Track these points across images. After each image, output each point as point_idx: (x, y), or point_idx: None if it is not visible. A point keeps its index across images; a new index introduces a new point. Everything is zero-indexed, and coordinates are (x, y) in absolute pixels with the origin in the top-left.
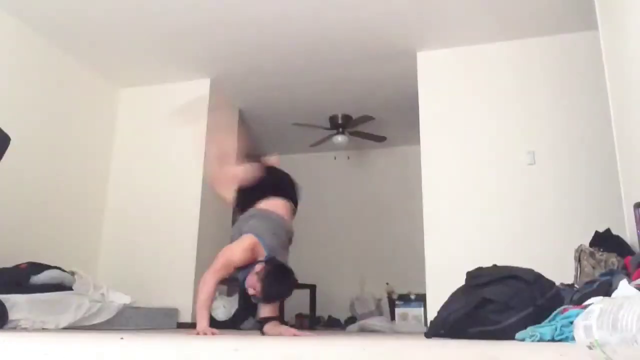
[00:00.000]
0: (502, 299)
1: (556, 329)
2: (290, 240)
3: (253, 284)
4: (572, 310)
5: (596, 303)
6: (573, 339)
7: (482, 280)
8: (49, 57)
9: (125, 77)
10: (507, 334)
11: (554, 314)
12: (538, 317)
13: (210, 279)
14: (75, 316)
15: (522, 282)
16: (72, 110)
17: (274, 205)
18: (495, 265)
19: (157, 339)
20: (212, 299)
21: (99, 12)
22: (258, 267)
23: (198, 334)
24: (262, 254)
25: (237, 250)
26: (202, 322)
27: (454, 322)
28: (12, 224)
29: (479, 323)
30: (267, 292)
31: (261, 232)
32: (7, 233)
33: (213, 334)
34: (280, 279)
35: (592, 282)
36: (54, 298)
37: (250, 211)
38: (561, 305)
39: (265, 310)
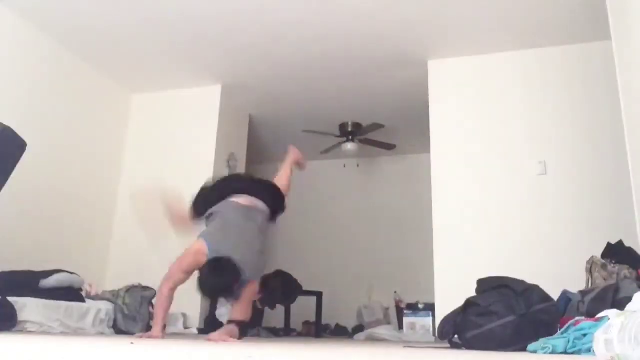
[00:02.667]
0: (484, 303)
1: (569, 342)
2: (266, 223)
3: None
4: (585, 322)
5: (616, 317)
6: (587, 351)
7: (481, 289)
8: (62, 62)
9: (137, 83)
10: (491, 339)
11: (566, 326)
12: (525, 327)
13: (164, 287)
14: (85, 321)
15: (510, 291)
16: (84, 116)
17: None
18: (492, 277)
19: (166, 343)
20: (168, 306)
21: (112, 19)
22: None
23: (149, 337)
24: (204, 257)
25: (185, 256)
26: (156, 328)
27: (450, 331)
28: (22, 228)
29: (467, 328)
30: (201, 284)
31: (209, 233)
32: (18, 237)
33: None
34: (213, 271)
35: (591, 290)
36: (62, 301)
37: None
38: (554, 321)
39: (233, 312)
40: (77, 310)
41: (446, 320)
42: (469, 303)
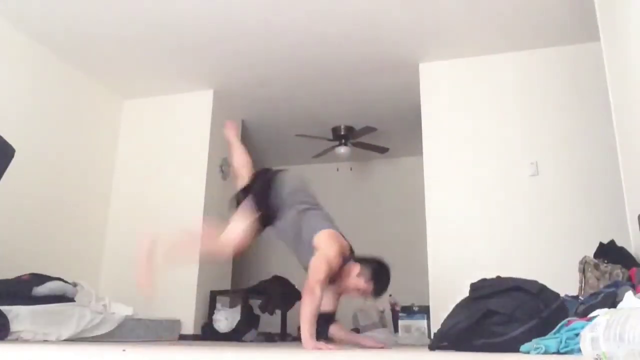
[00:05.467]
0: (506, 310)
1: (561, 342)
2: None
3: (359, 286)
4: (578, 322)
5: (602, 315)
6: (579, 351)
7: (485, 292)
8: (54, 68)
9: (129, 89)
10: (511, 346)
11: (558, 326)
12: (543, 328)
13: (317, 289)
14: (77, 328)
15: (526, 293)
16: (76, 121)
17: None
18: (498, 277)
19: (159, 350)
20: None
21: (104, 25)
22: (355, 269)
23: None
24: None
25: (334, 254)
26: (312, 339)
27: (458, 334)
28: (14, 235)
29: (483, 335)
30: (381, 289)
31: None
32: (10, 244)
33: (329, 348)
34: (386, 271)
35: (596, 294)
36: (56, 309)
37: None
38: (566, 317)
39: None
40: (70, 318)
41: (452, 327)
42: (488, 311)
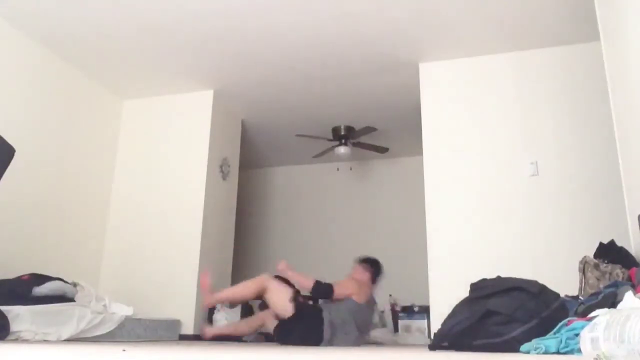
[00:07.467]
0: (506, 310)
1: (561, 342)
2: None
3: None
4: (578, 322)
5: (602, 315)
6: (579, 351)
7: (486, 292)
8: (53, 69)
9: (128, 89)
10: (511, 346)
11: (558, 326)
12: (543, 329)
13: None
14: (77, 328)
15: (526, 293)
16: (76, 122)
17: None
18: (499, 277)
19: (159, 350)
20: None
21: (104, 25)
22: None
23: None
24: None
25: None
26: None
27: (458, 334)
28: (14, 235)
29: (483, 335)
30: None
31: None
32: (9, 244)
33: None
34: None
35: (596, 294)
36: (56, 309)
37: None
38: (566, 317)
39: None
40: (70, 318)
41: (452, 328)
42: (488, 311)
